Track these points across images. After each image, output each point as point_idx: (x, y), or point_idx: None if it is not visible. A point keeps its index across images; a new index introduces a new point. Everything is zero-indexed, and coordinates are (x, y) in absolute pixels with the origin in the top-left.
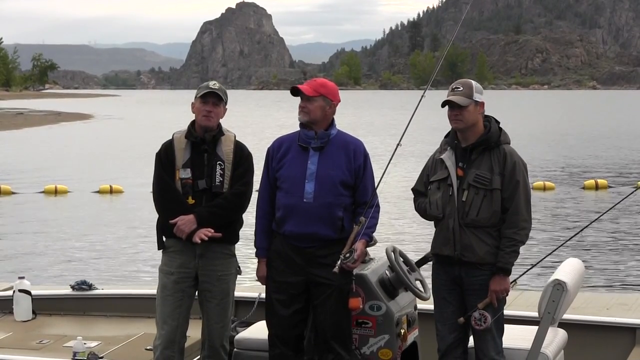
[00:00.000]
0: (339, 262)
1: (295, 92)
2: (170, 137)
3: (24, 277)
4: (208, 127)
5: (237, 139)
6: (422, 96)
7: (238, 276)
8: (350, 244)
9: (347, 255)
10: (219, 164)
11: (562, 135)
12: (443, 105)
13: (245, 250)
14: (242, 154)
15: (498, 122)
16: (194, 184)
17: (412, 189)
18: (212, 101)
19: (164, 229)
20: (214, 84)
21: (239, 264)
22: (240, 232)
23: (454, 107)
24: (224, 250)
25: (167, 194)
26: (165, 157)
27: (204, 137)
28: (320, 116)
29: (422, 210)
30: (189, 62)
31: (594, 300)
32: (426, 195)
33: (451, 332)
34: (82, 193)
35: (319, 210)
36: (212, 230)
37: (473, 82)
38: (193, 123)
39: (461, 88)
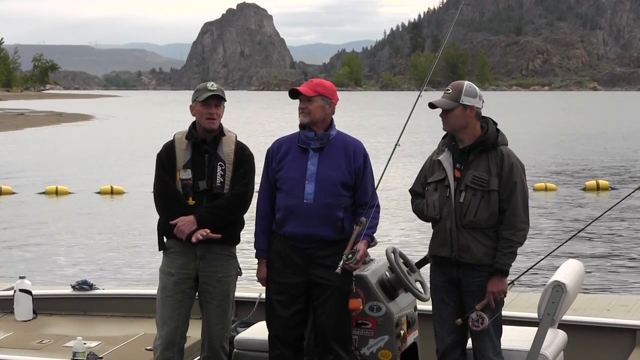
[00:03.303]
0: (341, 263)
1: (294, 94)
2: (172, 138)
3: (25, 277)
4: (213, 130)
5: (238, 139)
6: (419, 96)
7: (238, 277)
8: (351, 245)
9: (350, 256)
10: (220, 164)
11: (563, 137)
12: (429, 107)
13: (246, 251)
14: (243, 155)
15: (496, 124)
16: (195, 185)
17: (410, 190)
18: (214, 103)
19: (165, 229)
20: (212, 85)
21: (240, 265)
22: (241, 234)
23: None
24: (224, 252)
25: (167, 195)
26: (166, 157)
27: (205, 138)
28: (320, 116)
29: (420, 211)
30: (190, 63)
31: (594, 302)
32: (423, 196)
33: (449, 333)
34: (83, 194)
35: (319, 211)
36: (209, 230)
37: (465, 85)
38: (194, 124)
39: (450, 90)
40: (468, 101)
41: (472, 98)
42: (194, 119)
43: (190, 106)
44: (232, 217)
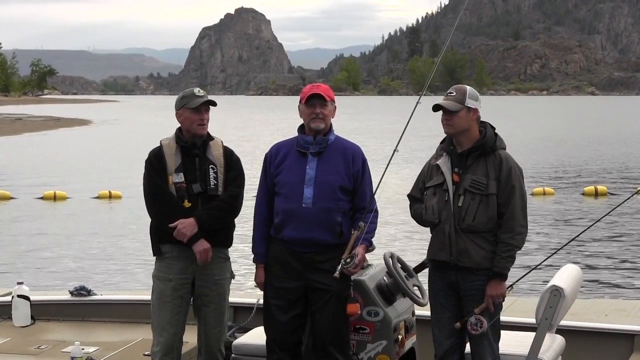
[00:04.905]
0: (339, 267)
1: (316, 98)
2: (158, 145)
3: (23, 283)
4: (203, 135)
5: (224, 144)
6: (418, 102)
7: (236, 281)
8: (350, 249)
9: (348, 260)
10: (212, 167)
11: (562, 141)
12: (434, 109)
13: (242, 256)
14: (231, 158)
15: (494, 128)
16: (189, 188)
17: (408, 195)
18: (204, 109)
19: (159, 234)
20: (199, 91)
21: (232, 269)
22: (239, 238)
23: (445, 111)
24: (219, 254)
25: (161, 198)
26: (156, 162)
27: (194, 142)
28: (330, 120)
29: (418, 216)
30: (188, 68)
31: (592, 306)
32: (422, 201)
33: (448, 337)
34: (81, 199)
35: (318, 216)
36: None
37: (468, 88)
38: (180, 129)
39: (454, 93)
40: (472, 104)
41: (475, 101)
42: None
43: (177, 113)
44: (229, 219)
